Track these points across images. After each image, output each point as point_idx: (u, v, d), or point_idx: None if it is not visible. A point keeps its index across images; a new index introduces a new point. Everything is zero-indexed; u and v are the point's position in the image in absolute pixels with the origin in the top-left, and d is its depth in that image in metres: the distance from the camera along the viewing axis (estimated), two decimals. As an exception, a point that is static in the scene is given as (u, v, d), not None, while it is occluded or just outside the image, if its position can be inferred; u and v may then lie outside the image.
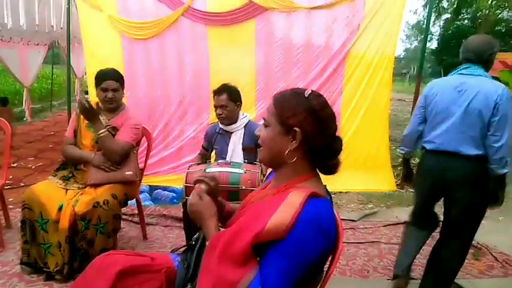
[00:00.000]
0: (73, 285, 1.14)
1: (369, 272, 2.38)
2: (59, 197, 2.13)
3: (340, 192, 3.82)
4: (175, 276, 1.17)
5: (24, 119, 7.67)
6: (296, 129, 1.02)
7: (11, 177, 3.92)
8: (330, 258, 1.09)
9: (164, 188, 3.97)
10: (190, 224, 2.20)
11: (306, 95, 1.06)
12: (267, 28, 3.70)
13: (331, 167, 1.09)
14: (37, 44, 7.21)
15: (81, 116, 2.32)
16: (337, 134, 1.10)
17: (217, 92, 2.37)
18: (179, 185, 3.81)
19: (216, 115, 2.41)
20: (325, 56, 3.73)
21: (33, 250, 2.14)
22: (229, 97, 2.34)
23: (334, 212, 1.05)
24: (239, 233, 0.97)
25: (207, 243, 1.03)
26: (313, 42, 3.75)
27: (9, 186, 3.64)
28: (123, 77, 2.37)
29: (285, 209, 0.95)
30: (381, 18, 3.58)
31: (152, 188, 4.00)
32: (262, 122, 1.12)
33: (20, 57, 7.55)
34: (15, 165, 4.59)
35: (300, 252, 0.93)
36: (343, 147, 1.10)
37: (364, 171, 3.72)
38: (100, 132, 2.19)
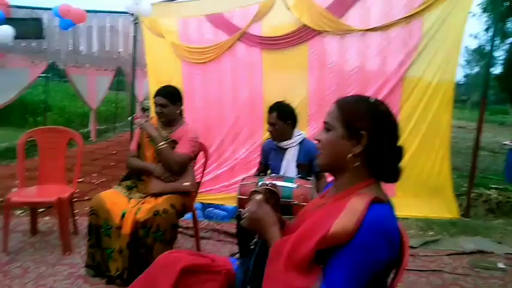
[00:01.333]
0: (137, 280, 1.20)
1: (430, 301, 2.23)
2: (122, 205, 2.27)
3: (399, 218, 3.63)
4: (234, 278, 1.19)
5: (90, 139, 8.30)
6: (362, 132, 1.01)
7: (77, 190, 4.22)
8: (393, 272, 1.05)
9: (216, 206, 4.04)
10: (244, 236, 2.22)
11: (372, 101, 1.06)
12: (320, 51, 3.76)
13: (394, 175, 1.06)
14: (105, 70, 7.87)
15: (144, 131, 2.51)
16: None
17: (269, 110, 2.46)
18: (231, 204, 3.88)
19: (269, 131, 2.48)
20: (379, 79, 3.69)
21: (97, 254, 2.28)
22: (278, 115, 2.40)
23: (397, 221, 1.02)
24: (302, 240, 0.97)
25: (270, 250, 1.04)
26: (366, 65, 3.73)
27: (75, 199, 3.91)
28: (174, 93, 2.48)
29: (348, 215, 0.94)
30: (438, 41, 3.49)
31: (204, 206, 4.10)
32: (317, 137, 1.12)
33: (89, 82, 8.30)
34: (81, 180, 4.93)
35: (365, 258, 0.91)
36: (402, 157, 1.08)
37: (424, 197, 3.55)
38: (159, 145, 2.34)
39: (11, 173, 4.81)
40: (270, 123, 2.43)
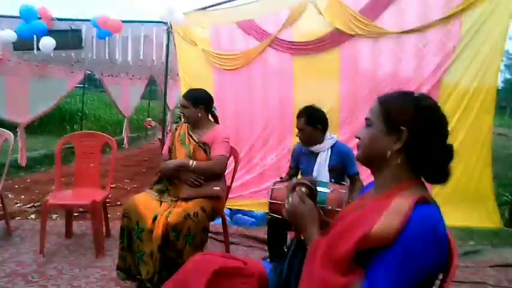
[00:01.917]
0: (169, 281, 1.18)
1: (474, 316, 2.08)
2: (154, 208, 2.28)
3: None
4: (266, 282, 1.14)
5: (123, 146, 8.53)
6: (402, 128, 0.95)
7: (110, 196, 4.32)
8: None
9: (244, 213, 4.01)
10: (275, 240, 2.17)
11: (415, 95, 1.00)
12: (352, 55, 3.68)
13: (441, 175, 0.98)
14: (139, 78, 8.11)
15: (175, 134, 2.55)
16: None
17: (298, 115, 2.42)
18: (259, 210, 3.84)
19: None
20: (414, 83, 3.55)
21: (129, 257, 2.30)
22: (306, 121, 2.35)
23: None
24: (340, 238, 0.92)
25: (308, 249, 0.99)
26: (401, 69, 3.61)
27: (108, 204, 4.00)
28: (196, 96, 2.49)
29: (391, 215, 0.87)
30: (478, 44, 3.33)
31: (232, 212, 4.08)
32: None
33: (123, 91, 8.59)
34: (113, 185, 5.05)
35: (410, 262, 0.84)
36: (453, 156, 1.00)
37: (463, 205, 3.36)
38: (190, 165, 2.35)
39: (50, 179, 4.99)
40: (299, 129, 2.38)
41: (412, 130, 0.95)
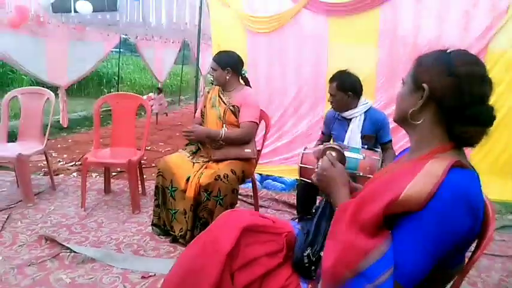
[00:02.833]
0: (199, 236, 1.22)
1: (507, 289, 2.04)
2: (187, 169, 2.34)
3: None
4: (294, 241, 1.16)
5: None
6: (424, 85, 0.92)
7: (145, 158, 4.47)
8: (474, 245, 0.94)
9: (274, 179, 4.05)
10: (305, 201, 2.19)
11: (448, 52, 0.94)
12: (393, 17, 3.47)
13: (468, 136, 0.91)
14: (172, 42, 8.12)
15: (207, 98, 2.56)
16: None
17: (330, 79, 2.35)
18: (289, 176, 3.85)
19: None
20: (460, 46, 3.32)
21: (163, 214, 2.40)
22: (338, 86, 2.28)
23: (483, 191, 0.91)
24: (369, 201, 0.90)
25: (336, 211, 0.99)
26: (445, 33, 3.38)
27: (143, 165, 4.16)
28: (224, 59, 2.48)
29: (425, 178, 0.84)
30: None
31: (263, 177, 4.13)
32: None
33: (156, 55, 8.67)
34: (148, 148, 5.22)
35: (441, 227, 0.81)
36: (492, 123, 0.92)
37: (504, 178, 3.22)
38: (220, 136, 2.35)
39: (90, 139, 5.22)
40: (330, 94, 2.32)
41: (435, 86, 0.91)
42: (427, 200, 0.82)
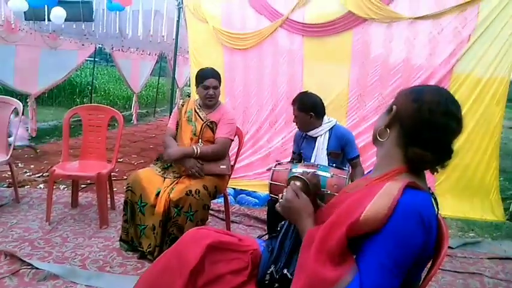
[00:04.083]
0: (165, 254, 1.21)
1: (467, 305, 2.10)
2: (157, 184, 2.31)
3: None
4: (260, 259, 1.17)
5: (131, 121, 8.59)
6: (394, 106, 1.01)
7: (117, 170, 4.38)
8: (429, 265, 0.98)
9: (248, 193, 4.05)
10: (274, 219, 2.20)
11: (427, 87, 1.03)
12: (365, 39, 3.61)
13: (418, 159, 0.96)
14: (149, 54, 8.08)
15: (182, 110, 2.56)
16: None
17: (292, 102, 2.44)
18: (263, 191, 3.87)
19: None
20: (426, 71, 3.49)
21: (131, 229, 2.35)
22: (299, 108, 2.36)
23: (437, 210, 0.95)
24: (334, 226, 0.93)
25: (303, 240, 1.01)
26: (413, 56, 3.54)
27: (114, 178, 4.07)
28: (220, 75, 2.54)
29: (382, 199, 0.89)
30: (494, 33, 3.24)
31: (237, 192, 4.12)
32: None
33: (133, 66, 8.59)
34: (121, 160, 5.12)
35: (400, 246, 0.85)
36: (450, 156, 0.99)
37: (466, 197, 3.35)
38: (195, 152, 2.33)
39: (59, 150, 5.06)
40: (294, 115, 2.40)
41: (399, 109, 0.99)
42: (385, 220, 0.86)
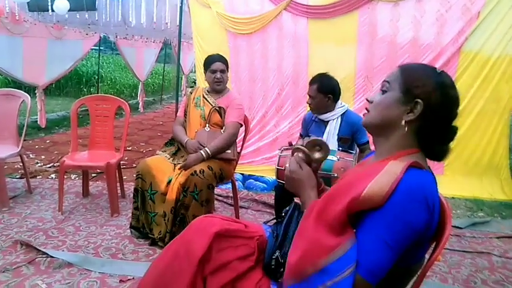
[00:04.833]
0: (173, 242, 1.23)
1: (476, 284, 2.11)
2: (167, 172, 2.34)
3: (445, 197, 3.45)
4: (266, 244, 1.19)
5: (138, 109, 8.63)
6: (418, 100, 0.95)
7: (126, 158, 4.43)
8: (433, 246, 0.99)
9: (256, 178, 4.08)
10: (281, 204, 2.22)
11: (438, 71, 0.99)
12: (371, 20, 3.55)
13: (441, 153, 1.00)
14: (153, 41, 8.04)
15: (191, 97, 2.59)
16: None
17: (310, 82, 2.37)
18: (271, 176, 3.89)
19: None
20: (434, 50, 3.44)
21: (142, 216, 2.39)
22: (318, 88, 2.30)
23: (439, 191, 0.95)
24: (333, 199, 0.94)
25: (305, 211, 1.02)
26: (420, 35, 3.48)
27: (123, 166, 4.12)
28: (227, 61, 2.56)
29: (384, 177, 0.89)
30: (504, 10, 3.16)
31: (245, 177, 4.15)
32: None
33: (137, 54, 8.57)
34: (129, 148, 5.17)
35: (400, 222, 0.85)
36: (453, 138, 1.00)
37: (475, 176, 3.34)
38: (204, 157, 2.33)
39: (68, 140, 5.12)
40: (310, 96, 2.35)
41: (428, 104, 0.95)
42: (387, 196, 0.87)
